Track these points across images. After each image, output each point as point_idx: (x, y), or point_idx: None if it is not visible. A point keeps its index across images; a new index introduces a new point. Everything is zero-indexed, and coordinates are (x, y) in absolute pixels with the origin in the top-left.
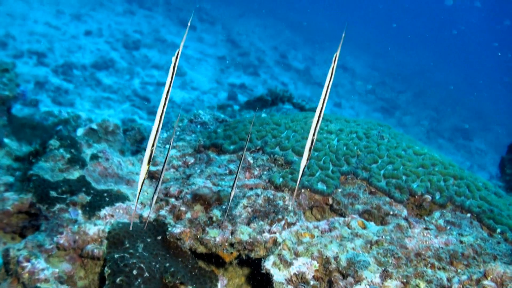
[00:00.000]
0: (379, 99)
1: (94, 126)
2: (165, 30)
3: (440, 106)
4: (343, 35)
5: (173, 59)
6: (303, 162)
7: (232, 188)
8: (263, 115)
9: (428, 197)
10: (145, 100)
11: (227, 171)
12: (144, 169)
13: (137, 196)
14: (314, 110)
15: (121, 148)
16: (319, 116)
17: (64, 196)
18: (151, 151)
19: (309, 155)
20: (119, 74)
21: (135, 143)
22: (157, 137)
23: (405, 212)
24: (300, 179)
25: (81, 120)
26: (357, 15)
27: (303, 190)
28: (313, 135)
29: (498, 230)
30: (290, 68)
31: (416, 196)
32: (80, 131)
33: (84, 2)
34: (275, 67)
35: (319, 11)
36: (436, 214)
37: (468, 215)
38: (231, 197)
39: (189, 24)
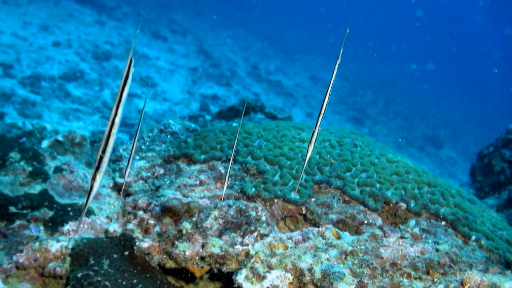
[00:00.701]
0: (350, 109)
1: (59, 137)
2: (136, 41)
3: (410, 115)
4: (347, 31)
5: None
6: (309, 151)
7: (224, 186)
8: (235, 124)
9: (403, 205)
10: None
11: (198, 182)
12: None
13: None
14: (286, 119)
15: (88, 160)
16: (323, 107)
17: (25, 211)
18: (101, 158)
19: (313, 146)
20: (89, 86)
21: None
22: (110, 143)
23: (379, 221)
24: (304, 168)
25: (47, 132)
26: (327, 27)
27: (276, 200)
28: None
29: (473, 237)
30: (262, 79)
31: (391, 204)
32: (45, 143)
33: (53, 13)
34: (247, 78)
35: (290, 23)
36: (411, 222)
37: (443, 222)
38: (224, 193)
39: (137, 30)
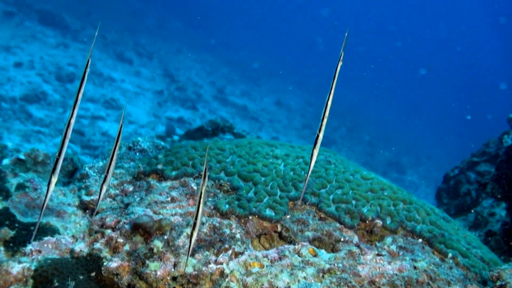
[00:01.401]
0: (315, 134)
1: (21, 156)
2: (101, 64)
3: (373, 141)
4: (346, 35)
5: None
6: (314, 155)
7: (201, 204)
8: (206, 140)
9: (379, 222)
10: (79, 134)
11: (169, 199)
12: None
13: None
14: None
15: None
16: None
17: None
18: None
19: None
20: (52, 107)
21: (68, 174)
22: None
23: (356, 238)
24: (309, 174)
25: (8, 151)
26: (291, 53)
27: (250, 217)
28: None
29: (450, 255)
30: (227, 103)
31: (367, 221)
32: (6, 162)
33: (15, 34)
34: (213, 102)
35: (255, 49)
36: (388, 239)
37: (420, 240)
38: (201, 211)
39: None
